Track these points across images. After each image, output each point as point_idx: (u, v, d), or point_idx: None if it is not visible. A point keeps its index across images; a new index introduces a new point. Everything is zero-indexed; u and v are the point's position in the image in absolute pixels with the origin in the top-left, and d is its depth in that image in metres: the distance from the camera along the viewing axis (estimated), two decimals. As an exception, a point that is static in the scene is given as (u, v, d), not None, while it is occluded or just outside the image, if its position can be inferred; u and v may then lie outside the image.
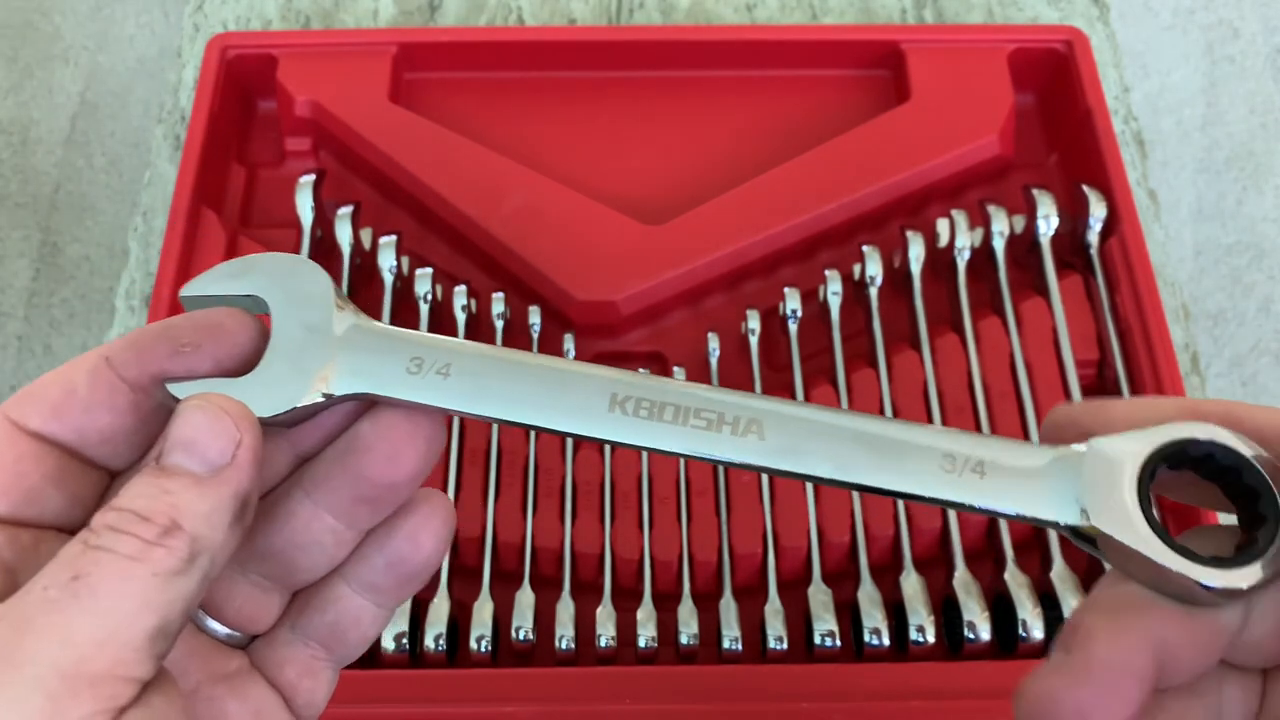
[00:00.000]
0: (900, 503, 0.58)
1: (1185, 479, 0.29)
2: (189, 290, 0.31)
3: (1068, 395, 0.60)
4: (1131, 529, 0.27)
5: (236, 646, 0.31)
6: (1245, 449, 0.27)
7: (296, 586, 0.31)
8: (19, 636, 0.23)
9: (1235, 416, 0.28)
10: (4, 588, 0.26)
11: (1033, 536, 0.58)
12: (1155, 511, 0.28)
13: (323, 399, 0.30)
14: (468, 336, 0.63)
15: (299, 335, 0.30)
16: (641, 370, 0.54)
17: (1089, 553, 0.28)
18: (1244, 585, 0.26)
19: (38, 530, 0.28)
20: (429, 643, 0.54)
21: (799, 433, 0.29)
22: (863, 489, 0.29)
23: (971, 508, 0.29)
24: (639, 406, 0.30)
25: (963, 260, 0.64)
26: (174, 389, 0.29)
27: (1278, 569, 0.27)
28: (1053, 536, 0.57)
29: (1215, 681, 0.28)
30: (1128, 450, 0.28)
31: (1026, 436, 0.59)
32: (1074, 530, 0.28)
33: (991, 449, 0.29)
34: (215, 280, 0.31)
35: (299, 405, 0.29)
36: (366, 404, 0.30)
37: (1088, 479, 0.28)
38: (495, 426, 0.60)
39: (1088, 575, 0.56)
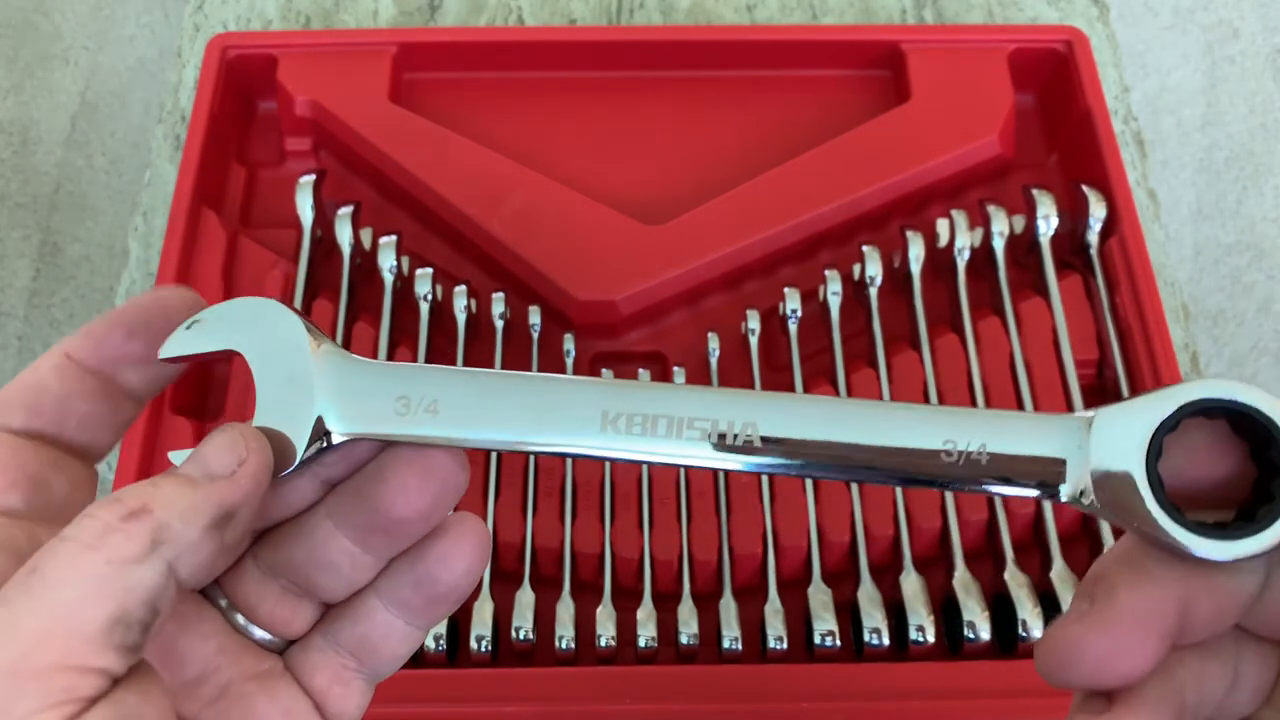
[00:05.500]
0: (900, 502, 0.58)
1: (1205, 439, 0.28)
2: (167, 352, 0.31)
3: (1067, 395, 0.60)
4: (1138, 498, 0.27)
5: (272, 650, 0.31)
6: None
7: (322, 601, 0.32)
8: None
9: None
10: None
11: (1032, 537, 0.58)
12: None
13: (318, 452, 0.30)
14: (467, 337, 0.63)
15: (282, 388, 0.30)
16: (637, 377, 0.53)
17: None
18: (1254, 552, 0.26)
19: (47, 528, 0.28)
20: (429, 643, 0.54)
21: (793, 428, 0.29)
22: (861, 476, 0.29)
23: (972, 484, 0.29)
24: (631, 423, 0.29)
25: (962, 260, 0.64)
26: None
27: None
28: (1053, 537, 0.57)
29: (1233, 646, 0.29)
30: (1142, 412, 0.28)
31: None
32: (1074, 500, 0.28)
33: (993, 426, 0.29)
34: (188, 341, 0.31)
35: (296, 466, 0.29)
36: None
37: (1096, 438, 0.28)
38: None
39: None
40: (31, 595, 0.24)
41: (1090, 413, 0.28)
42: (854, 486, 0.58)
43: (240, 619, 0.31)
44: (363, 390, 0.30)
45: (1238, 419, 0.28)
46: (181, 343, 0.31)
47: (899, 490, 0.58)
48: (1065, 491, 0.28)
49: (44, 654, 0.23)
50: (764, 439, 0.29)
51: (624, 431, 0.29)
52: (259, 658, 0.31)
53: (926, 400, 0.61)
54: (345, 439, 0.30)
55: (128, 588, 0.24)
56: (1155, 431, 0.27)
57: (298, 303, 0.63)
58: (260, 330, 0.31)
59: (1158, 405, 0.28)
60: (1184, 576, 0.27)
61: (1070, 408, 0.60)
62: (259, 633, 0.31)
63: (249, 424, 0.29)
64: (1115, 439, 0.28)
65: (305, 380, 0.30)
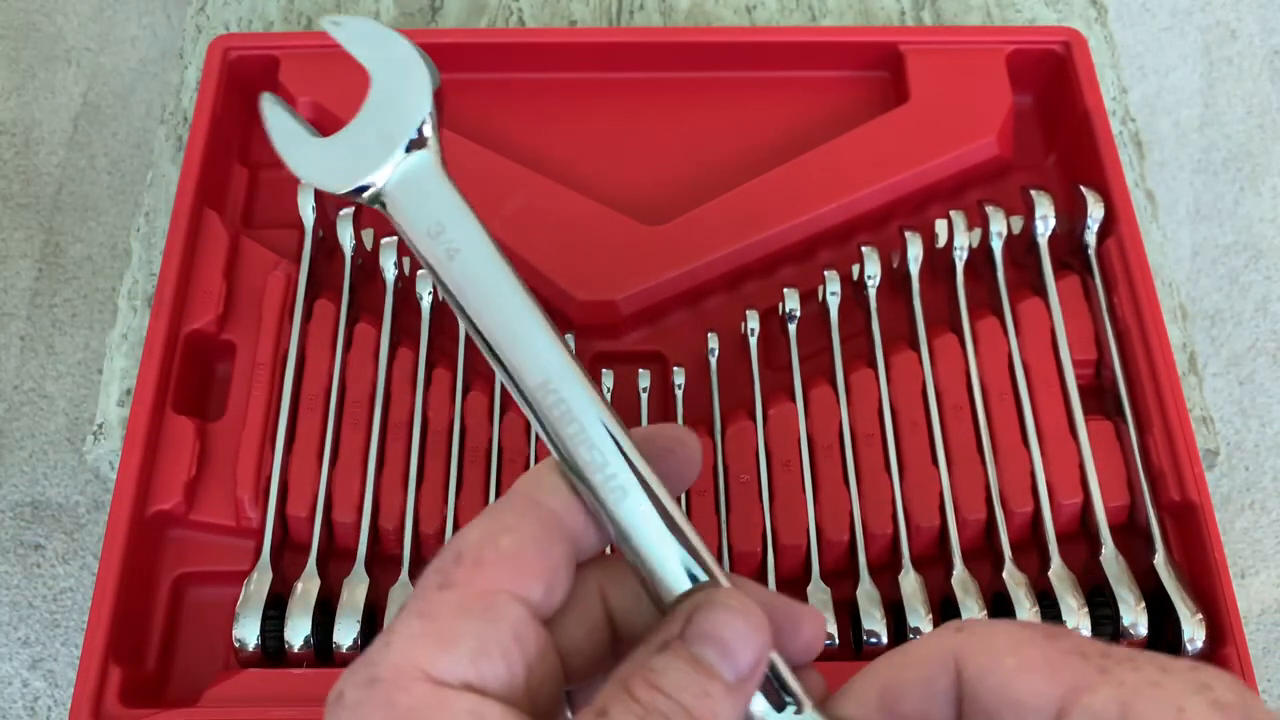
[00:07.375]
0: (899, 502, 0.58)
1: None
2: (329, 23, 0.35)
3: (1066, 395, 0.61)
4: None
5: None
6: None
7: None
8: None
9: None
10: (517, 690, 0.26)
11: (1030, 536, 0.59)
12: None
13: (363, 199, 0.33)
14: (468, 337, 0.63)
15: (374, 131, 0.34)
16: (637, 378, 0.52)
17: None
18: None
19: (545, 631, 0.28)
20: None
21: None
22: None
23: None
24: (559, 403, 0.30)
25: (961, 261, 0.65)
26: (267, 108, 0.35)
27: None
28: (1051, 536, 0.57)
29: None
30: None
31: (1025, 436, 0.60)
32: None
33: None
34: (353, 34, 0.35)
35: (346, 190, 0.33)
36: None
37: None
38: (496, 425, 0.60)
39: (1085, 575, 0.57)
40: None
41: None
42: (853, 485, 0.59)
43: None
44: (422, 194, 0.33)
45: None
46: (348, 30, 0.35)
47: (898, 489, 0.58)
48: None
49: None
50: None
51: (547, 411, 0.30)
52: None
53: (925, 401, 0.61)
54: (378, 207, 0.32)
55: None
56: None
57: (299, 303, 0.63)
58: (392, 77, 0.35)
59: None
60: None
61: (1069, 408, 0.60)
62: None
63: (744, 598, 0.27)
64: None
65: (396, 143, 0.34)
